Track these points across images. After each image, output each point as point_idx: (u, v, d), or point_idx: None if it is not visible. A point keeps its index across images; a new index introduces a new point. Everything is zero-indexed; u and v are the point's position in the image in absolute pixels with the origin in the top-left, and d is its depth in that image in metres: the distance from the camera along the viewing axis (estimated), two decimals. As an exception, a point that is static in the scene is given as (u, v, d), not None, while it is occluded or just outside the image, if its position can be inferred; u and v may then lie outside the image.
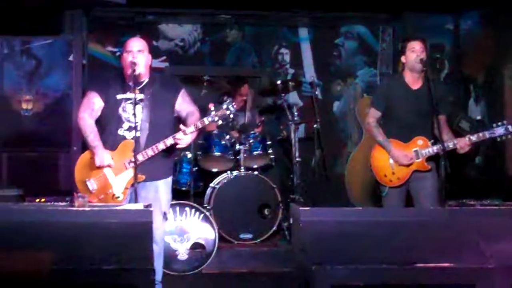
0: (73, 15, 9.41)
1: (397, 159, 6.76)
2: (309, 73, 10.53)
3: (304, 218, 4.26)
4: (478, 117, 9.90)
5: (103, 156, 5.92)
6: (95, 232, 4.08)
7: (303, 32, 10.72)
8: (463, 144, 6.60)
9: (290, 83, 9.16)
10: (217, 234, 7.54)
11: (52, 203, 6.07)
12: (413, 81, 6.83)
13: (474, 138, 6.60)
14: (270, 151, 8.73)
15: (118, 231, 4.08)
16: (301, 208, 4.32)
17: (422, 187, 6.81)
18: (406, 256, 4.04)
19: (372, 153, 6.99)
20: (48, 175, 8.26)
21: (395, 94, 6.88)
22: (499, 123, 6.59)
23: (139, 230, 4.08)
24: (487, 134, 6.57)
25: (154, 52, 10.11)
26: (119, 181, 5.96)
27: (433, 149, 6.69)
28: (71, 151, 8.30)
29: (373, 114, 6.96)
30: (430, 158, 6.77)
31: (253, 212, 8.34)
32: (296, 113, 8.83)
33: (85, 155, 6.10)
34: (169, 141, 5.89)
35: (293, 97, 10.24)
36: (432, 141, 6.76)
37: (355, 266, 3.95)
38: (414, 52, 6.74)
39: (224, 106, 6.04)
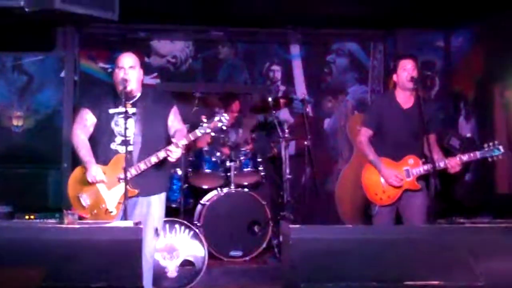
0: (65, 32, 9.43)
1: (387, 179, 6.75)
2: (300, 90, 10.55)
3: (294, 236, 4.26)
4: (468, 135, 9.92)
5: (95, 171, 5.89)
6: (84, 250, 4.07)
7: (295, 49, 10.74)
8: (453, 163, 6.60)
9: (281, 100, 9.18)
10: (206, 251, 7.52)
11: (42, 220, 6.06)
12: (405, 99, 6.84)
13: (465, 158, 6.61)
14: (260, 168, 8.74)
15: (108, 248, 4.07)
16: (291, 226, 4.32)
17: (411, 205, 6.80)
18: (396, 274, 4.04)
19: (363, 172, 6.98)
20: (38, 192, 8.24)
21: (386, 113, 6.87)
22: (490, 144, 6.60)
23: (128, 248, 4.07)
24: (478, 155, 6.58)
25: (146, 69, 10.15)
26: (112, 195, 5.93)
27: (424, 168, 6.69)
28: (62, 167, 8.28)
29: (364, 133, 6.94)
30: (420, 177, 6.77)
31: (243, 229, 8.33)
32: (287, 130, 8.85)
33: (78, 170, 6.06)
34: (162, 154, 5.87)
35: (284, 114, 10.25)
36: (423, 160, 6.77)
37: (344, 284, 3.95)
38: (406, 70, 6.74)
39: (217, 118, 6.03)
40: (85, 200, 5.92)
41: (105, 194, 5.94)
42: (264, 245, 8.34)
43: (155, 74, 10.29)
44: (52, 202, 8.09)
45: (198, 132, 6.00)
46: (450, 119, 10.26)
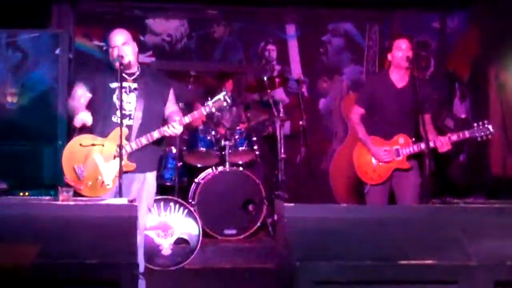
0: (60, 9, 9.40)
1: (377, 156, 6.83)
2: (296, 70, 10.55)
3: (288, 215, 4.27)
4: (463, 116, 9.94)
5: (83, 115, 5.89)
6: (79, 226, 4.07)
7: (290, 29, 10.73)
8: (442, 142, 6.64)
9: (276, 79, 9.18)
10: (201, 230, 7.55)
11: (37, 197, 6.06)
12: (399, 79, 6.87)
13: (454, 137, 6.66)
14: (255, 147, 8.75)
15: (103, 225, 4.07)
16: (285, 204, 4.33)
17: (403, 185, 6.86)
18: (389, 253, 4.05)
19: (354, 151, 7.07)
20: (33, 169, 8.21)
21: (379, 91, 6.93)
22: (480, 123, 6.61)
23: (123, 225, 4.08)
24: (467, 134, 6.62)
25: (141, 47, 10.16)
26: (109, 168, 5.92)
27: (414, 148, 6.74)
28: (57, 144, 8.26)
29: (357, 111, 7.03)
30: (413, 156, 6.79)
31: (237, 208, 8.35)
32: (281, 110, 8.85)
33: (74, 141, 6.02)
34: (165, 129, 5.90)
35: (279, 93, 10.25)
36: (413, 139, 6.81)
37: (338, 263, 3.96)
38: (400, 50, 6.77)
39: (221, 97, 6.06)
40: (81, 171, 5.90)
41: (102, 166, 5.93)
42: (258, 224, 8.37)
43: (150, 52, 10.27)
44: (47, 179, 8.08)
45: (203, 110, 6.04)
46: (445, 100, 10.27)
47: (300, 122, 9.07)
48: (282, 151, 8.68)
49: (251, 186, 8.41)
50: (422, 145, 6.63)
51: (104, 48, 9.47)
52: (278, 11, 10.50)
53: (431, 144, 6.56)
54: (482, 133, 6.61)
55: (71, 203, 4.49)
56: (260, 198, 8.39)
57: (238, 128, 8.72)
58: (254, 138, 8.77)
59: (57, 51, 8.56)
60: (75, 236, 4.01)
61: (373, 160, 6.86)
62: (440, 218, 4.46)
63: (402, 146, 6.79)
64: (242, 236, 8.32)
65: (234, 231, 8.28)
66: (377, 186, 6.89)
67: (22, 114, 8.44)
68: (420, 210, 4.91)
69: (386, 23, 10.71)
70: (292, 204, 4.36)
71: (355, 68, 10.81)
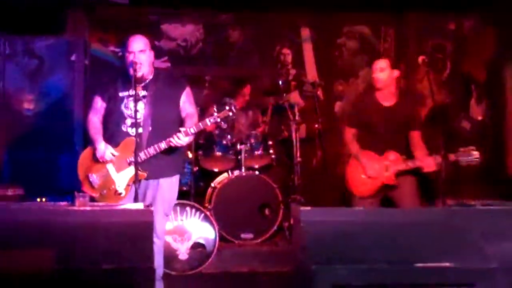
0: (76, 15, 9.46)
1: (366, 170, 6.99)
2: (311, 73, 10.54)
3: (304, 218, 4.26)
4: (480, 117, 9.92)
5: (103, 148, 5.95)
6: (95, 232, 4.09)
7: (305, 32, 10.71)
8: (428, 163, 6.76)
9: (292, 83, 9.20)
10: (217, 234, 7.55)
11: (53, 202, 6.08)
12: (384, 97, 7.07)
13: (439, 159, 6.68)
14: (271, 151, 8.75)
15: (119, 230, 4.08)
16: (301, 208, 4.33)
17: (399, 195, 7.01)
18: (406, 256, 4.04)
19: (347, 167, 7.29)
20: (49, 175, 8.26)
21: (367, 111, 7.10)
22: (466, 148, 6.68)
23: (139, 230, 4.09)
24: (453, 157, 6.67)
25: (156, 52, 10.17)
26: (121, 177, 5.97)
27: (402, 165, 6.89)
28: (73, 150, 8.30)
29: (348, 132, 7.25)
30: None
31: (253, 212, 8.34)
32: (297, 113, 8.85)
33: (88, 151, 6.13)
34: (171, 139, 5.89)
35: (294, 97, 10.24)
36: (404, 156, 6.95)
37: (355, 266, 3.95)
38: (373, 72, 7.06)
39: (227, 108, 6.06)
40: (95, 180, 5.99)
41: (114, 175, 5.98)
42: (275, 228, 8.36)
43: (166, 57, 10.29)
44: (64, 185, 8.11)
45: (208, 121, 6.04)
46: (461, 101, 10.24)
47: (316, 126, 9.04)
48: (298, 154, 8.67)
49: (267, 190, 8.40)
50: (410, 163, 6.81)
51: (120, 53, 9.60)
52: (292, 15, 10.50)
53: (417, 164, 6.78)
54: (467, 158, 6.67)
55: (88, 208, 4.51)
56: (276, 202, 8.38)
57: (253, 132, 8.72)
58: (270, 142, 8.77)
59: (73, 58, 8.61)
60: (92, 241, 4.03)
61: (363, 174, 7.02)
62: (457, 221, 4.44)
63: (391, 163, 6.92)
64: (259, 240, 8.30)
65: (250, 235, 8.27)
66: (364, 199, 7.02)
67: (38, 121, 8.48)
68: (436, 213, 4.90)
69: (401, 25, 10.68)
70: (308, 208, 4.36)
71: (370, 71, 10.75)
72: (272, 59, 10.63)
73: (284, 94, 9.02)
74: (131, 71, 5.90)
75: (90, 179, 5.99)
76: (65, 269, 3.83)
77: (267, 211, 8.35)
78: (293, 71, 10.64)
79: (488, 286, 3.95)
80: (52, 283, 3.82)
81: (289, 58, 10.69)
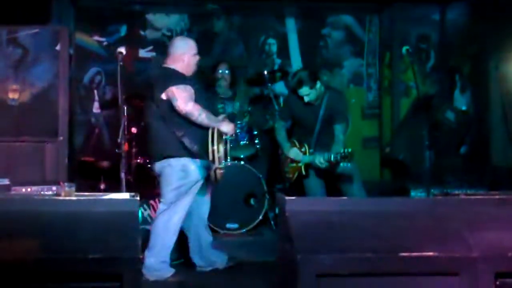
0: (60, 5, 9.43)
1: (288, 154, 7.81)
2: (296, 63, 10.55)
3: (289, 208, 4.28)
4: (464, 107, 9.96)
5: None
6: (81, 222, 4.09)
7: (290, 23, 10.72)
8: (320, 160, 7.39)
9: (277, 73, 9.21)
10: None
11: (39, 192, 6.07)
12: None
13: (331, 158, 7.27)
14: (256, 141, 8.76)
15: (105, 220, 4.09)
16: (286, 198, 4.34)
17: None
18: (391, 245, 4.06)
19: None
20: (34, 165, 8.23)
21: (295, 107, 7.76)
22: (343, 151, 7.18)
23: (125, 219, 4.09)
24: (332, 157, 7.30)
25: (141, 42, 10.19)
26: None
27: (309, 158, 7.60)
28: (58, 140, 8.27)
29: (279, 123, 7.99)
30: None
31: (239, 201, 8.37)
32: (282, 103, 8.86)
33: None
34: None
35: (280, 87, 10.24)
36: (311, 150, 7.66)
37: (340, 255, 3.97)
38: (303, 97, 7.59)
39: None
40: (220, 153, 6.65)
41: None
42: (260, 218, 8.38)
43: (151, 47, 10.28)
44: (49, 175, 8.09)
45: None
46: (445, 92, 10.28)
47: (301, 115, 9.05)
48: (283, 144, 8.67)
49: (252, 180, 8.42)
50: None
51: (104, 43, 9.60)
52: (277, 5, 10.51)
53: (317, 161, 7.40)
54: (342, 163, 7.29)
55: (73, 198, 4.51)
56: (262, 192, 8.40)
57: (239, 122, 8.72)
58: (255, 132, 8.79)
59: (58, 47, 8.55)
60: (78, 231, 4.03)
61: (288, 162, 7.81)
62: (441, 210, 4.47)
63: (304, 154, 7.65)
64: (244, 230, 8.34)
65: (236, 225, 8.30)
66: (291, 184, 7.85)
67: (23, 110, 8.44)
68: (421, 202, 4.93)
69: (386, 15, 10.70)
70: (293, 198, 4.38)
71: (355, 61, 10.81)
72: (257, 49, 10.63)
73: (269, 84, 9.04)
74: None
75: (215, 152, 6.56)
76: (51, 258, 3.83)
77: (252, 201, 8.37)
78: (278, 61, 10.65)
79: (471, 275, 3.98)
80: (38, 272, 3.81)
81: (274, 48, 10.69)
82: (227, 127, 6.79)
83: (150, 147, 7.05)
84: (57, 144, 8.26)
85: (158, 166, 6.88)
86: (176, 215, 6.76)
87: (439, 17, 10.58)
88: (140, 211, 7.54)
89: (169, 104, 6.68)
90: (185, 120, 6.67)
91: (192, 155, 6.70)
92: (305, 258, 3.91)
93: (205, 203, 7.16)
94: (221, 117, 6.96)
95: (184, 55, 6.92)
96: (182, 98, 6.62)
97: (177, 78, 6.78)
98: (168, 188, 6.78)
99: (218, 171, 6.61)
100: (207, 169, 6.67)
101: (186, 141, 6.67)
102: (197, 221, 7.09)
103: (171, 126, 6.70)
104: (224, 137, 6.79)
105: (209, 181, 6.88)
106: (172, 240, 6.82)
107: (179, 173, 6.74)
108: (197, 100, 6.71)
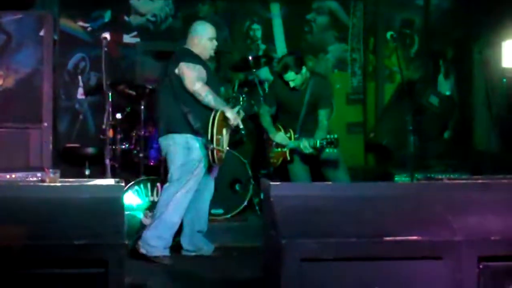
0: (45, -10, 9.39)
1: (273, 138, 7.83)
2: (281, 48, 10.56)
3: (274, 193, 4.29)
4: (448, 92, 10.00)
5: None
6: (66, 208, 4.09)
7: (275, 8, 10.72)
8: (305, 145, 7.45)
9: (261, 58, 9.21)
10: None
11: (23, 178, 6.07)
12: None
13: (317, 143, 7.37)
14: (241, 126, 8.75)
15: (89, 206, 4.09)
16: (271, 183, 4.35)
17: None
18: (375, 230, 4.08)
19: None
20: (19, 151, 8.21)
21: (280, 92, 7.79)
22: (328, 137, 7.30)
23: (110, 205, 4.10)
24: (318, 143, 7.36)
25: (126, 28, 10.15)
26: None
27: (292, 144, 7.67)
28: (42, 127, 8.26)
29: (264, 108, 7.97)
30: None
31: (224, 187, 8.37)
32: (267, 89, 8.87)
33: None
34: None
35: (264, 72, 10.25)
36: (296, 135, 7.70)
37: (324, 240, 3.98)
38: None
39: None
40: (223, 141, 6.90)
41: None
42: (245, 203, 8.42)
43: (135, 33, 10.25)
44: (34, 161, 8.08)
45: None
46: (429, 77, 10.31)
47: (286, 101, 9.06)
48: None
49: (237, 165, 8.45)
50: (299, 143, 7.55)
51: (89, 28, 9.57)
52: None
53: (299, 145, 7.51)
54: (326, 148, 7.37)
55: (58, 184, 4.51)
56: (247, 177, 8.43)
57: (239, 106, 8.72)
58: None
59: (42, 33, 8.52)
60: (63, 217, 4.03)
61: (273, 146, 7.86)
62: (425, 194, 4.50)
63: (289, 139, 7.70)
64: (230, 216, 8.36)
65: (221, 211, 8.31)
66: (274, 169, 7.97)
67: (7, 97, 8.41)
68: (404, 187, 4.96)
69: (370, 0, 10.72)
70: (277, 183, 4.39)
71: (340, 46, 10.81)
72: (242, 34, 10.62)
73: (254, 70, 9.05)
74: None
75: (220, 140, 6.79)
76: (36, 245, 3.83)
77: (237, 187, 8.40)
78: (263, 47, 10.65)
79: (454, 259, 4.01)
80: (23, 259, 3.82)
81: (259, 34, 10.68)
82: (231, 113, 6.89)
83: (157, 121, 7.23)
84: (41, 130, 8.25)
85: (163, 143, 6.99)
86: (179, 192, 6.83)
87: (423, 2, 10.62)
88: (142, 195, 7.61)
89: (180, 79, 6.80)
90: (193, 97, 6.78)
91: (194, 132, 6.78)
92: (290, 243, 3.93)
93: (208, 189, 7.20)
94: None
95: (201, 38, 7.04)
96: (191, 76, 6.76)
97: (189, 56, 6.92)
98: (173, 166, 6.88)
99: (216, 152, 6.71)
100: (206, 148, 6.71)
101: (190, 118, 6.77)
102: (198, 205, 7.12)
103: (179, 101, 6.81)
104: (230, 124, 6.95)
105: (213, 166, 7.00)
106: (173, 218, 6.86)
107: (184, 150, 6.84)
108: (208, 82, 6.83)
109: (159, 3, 10.39)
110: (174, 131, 6.87)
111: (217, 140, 6.72)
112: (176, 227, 6.92)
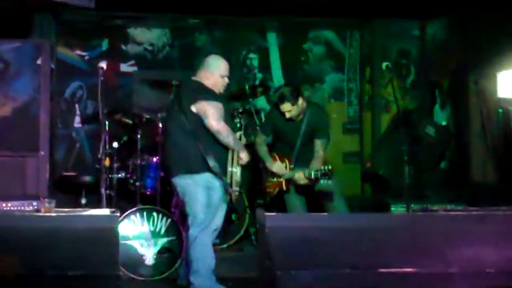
0: (42, 19, 9.42)
1: (270, 168, 7.76)
2: (277, 78, 10.58)
3: (269, 224, 4.29)
4: (444, 122, 10.01)
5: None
6: (61, 238, 4.08)
7: (272, 37, 10.75)
8: (298, 176, 7.41)
9: (258, 88, 9.23)
10: (184, 239, 7.53)
11: (19, 208, 6.06)
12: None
13: (307, 174, 7.32)
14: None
15: (84, 236, 4.08)
16: (266, 214, 4.36)
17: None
18: (370, 261, 4.08)
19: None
20: (15, 179, 8.20)
21: (277, 122, 7.73)
22: (323, 168, 7.22)
23: (105, 236, 4.09)
24: (312, 174, 7.29)
25: (123, 56, 10.18)
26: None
27: (289, 173, 7.59)
28: (39, 155, 8.25)
29: (261, 137, 7.93)
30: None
31: (220, 216, 8.35)
32: (263, 118, 8.88)
33: None
34: None
35: (261, 102, 10.26)
36: (292, 166, 7.63)
37: (319, 271, 3.98)
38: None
39: None
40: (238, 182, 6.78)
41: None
42: (241, 233, 8.40)
43: (133, 61, 10.28)
44: (30, 190, 8.06)
45: None
46: (425, 107, 10.34)
47: (282, 130, 9.07)
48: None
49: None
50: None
51: (86, 57, 9.58)
52: (259, 20, 10.53)
53: (294, 175, 7.45)
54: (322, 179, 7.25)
55: (53, 214, 4.51)
56: (243, 207, 8.41)
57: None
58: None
59: (39, 61, 8.54)
60: (58, 248, 4.02)
61: (269, 176, 7.82)
62: (421, 226, 4.50)
63: (286, 169, 7.66)
64: (225, 245, 8.33)
65: (217, 241, 8.25)
66: (270, 199, 7.89)
67: (4, 125, 8.41)
68: (400, 218, 4.95)
69: (367, 30, 10.76)
70: (273, 213, 4.40)
71: (336, 76, 10.84)
72: (239, 64, 10.65)
73: (251, 99, 9.06)
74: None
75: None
76: (30, 275, 3.83)
77: (233, 217, 8.38)
78: (259, 76, 10.67)
79: (449, 291, 4.01)
80: (17, 289, 3.81)
81: (255, 63, 10.71)
82: (245, 155, 6.76)
83: (170, 159, 6.87)
84: (38, 159, 8.23)
85: (179, 181, 6.73)
86: (209, 238, 6.79)
87: (419, 33, 10.66)
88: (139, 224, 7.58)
89: (199, 118, 6.60)
90: (212, 137, 6.60)
91: (212, 171, 6.59)
92: (285, 274, 3.92)
93: (217, 225, 7.07)
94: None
95: (213, 74, 6.85)
96: (214, 115, 6.57)
97: (208, 93, 6.73)
98: (196, 208, 6.67)
99: (234, 194, 6.70)
100: (225, 189, 6.63)
101: (209, 158, 6.55)
102: None
103: (196, 139, 6.58)
104: (242, 163, 6.79)
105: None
106: (211, 263, 6.76)
107: (206, 191, 6.62)
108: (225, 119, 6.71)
109: (157, 32, 10.43)
110: (193, 170, 6.64)
111: (236, 182, 6.65)
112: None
